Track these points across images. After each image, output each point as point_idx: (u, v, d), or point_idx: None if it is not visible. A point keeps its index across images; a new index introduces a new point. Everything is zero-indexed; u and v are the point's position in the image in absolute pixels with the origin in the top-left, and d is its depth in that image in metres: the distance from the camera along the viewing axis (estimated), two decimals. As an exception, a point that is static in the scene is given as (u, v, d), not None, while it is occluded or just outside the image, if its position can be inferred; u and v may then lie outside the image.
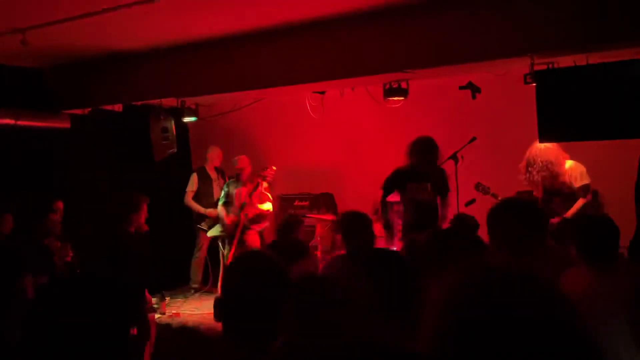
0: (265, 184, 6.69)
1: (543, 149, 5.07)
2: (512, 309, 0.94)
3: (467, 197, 5.46)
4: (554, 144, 5.01)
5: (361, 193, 6.50)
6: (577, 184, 5.08)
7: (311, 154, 7.50)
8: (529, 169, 5.16)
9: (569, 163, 5.13)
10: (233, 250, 6.59)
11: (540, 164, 5.08)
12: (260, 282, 1.84)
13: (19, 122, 6.29)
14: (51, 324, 1.39)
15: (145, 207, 5.44)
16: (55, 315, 1.40)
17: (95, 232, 5.92)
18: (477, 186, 5.65)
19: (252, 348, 1.78)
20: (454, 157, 5.59)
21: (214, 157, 7.42)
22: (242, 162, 6.69)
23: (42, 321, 1.40)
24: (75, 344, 1.37)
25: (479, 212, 4.75)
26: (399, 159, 6.47)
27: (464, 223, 4.37)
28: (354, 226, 4.00)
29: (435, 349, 0.98)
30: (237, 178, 6.76)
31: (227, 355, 1.84)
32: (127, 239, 5.32)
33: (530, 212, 2.82)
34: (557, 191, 5.17)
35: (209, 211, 7.14)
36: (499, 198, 5.37)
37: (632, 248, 4.29)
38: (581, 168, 5.11)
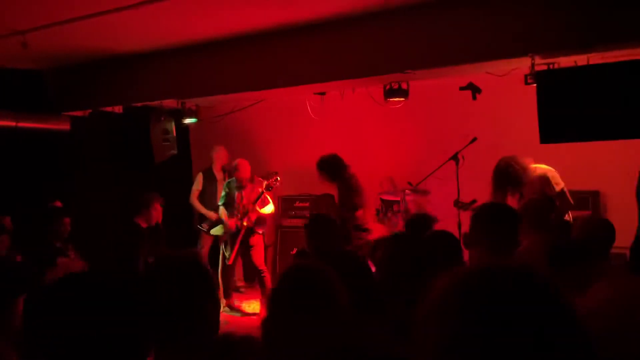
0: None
1: (502, 170, 4.69)
2: (513, 304, 0.91)
3: (467, 199, 5.44)
4: (510, 156, 4.75)
5: (362, 194, 6.48)
6: (557, 189, 4.73)
7: (312, 154, 7.46)
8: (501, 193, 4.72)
9: (540, 168, 4.78)
10: (235, 251, 6.59)
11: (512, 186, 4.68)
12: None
13: (20, 124, 6.30)
14: (61, 322, 1.35)
15: (158, 206, 5.63)
16: (67, 313, 1.36)
17: (104, 229, 5.99)
18: (456, 203, 5.38)
19: None
20: (454, 157, 5.59)
21: (219, 157, 7.42)
22: (242, 166, 6.66)
23: (52, 319, 1.36)
24: (91, 342, 1.35)
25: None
26: (399, 159, 6.46)
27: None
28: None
29: (438, 353, 0.95)
30: (237, 181, 6.73)
31: None
32: (139, 233, 5.45)
33: (507, 216, 2.99)
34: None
35: (211, 214, 7.14)
36: None
37: (633, 253, 4.27)
38: (552, 172, 4.79)
